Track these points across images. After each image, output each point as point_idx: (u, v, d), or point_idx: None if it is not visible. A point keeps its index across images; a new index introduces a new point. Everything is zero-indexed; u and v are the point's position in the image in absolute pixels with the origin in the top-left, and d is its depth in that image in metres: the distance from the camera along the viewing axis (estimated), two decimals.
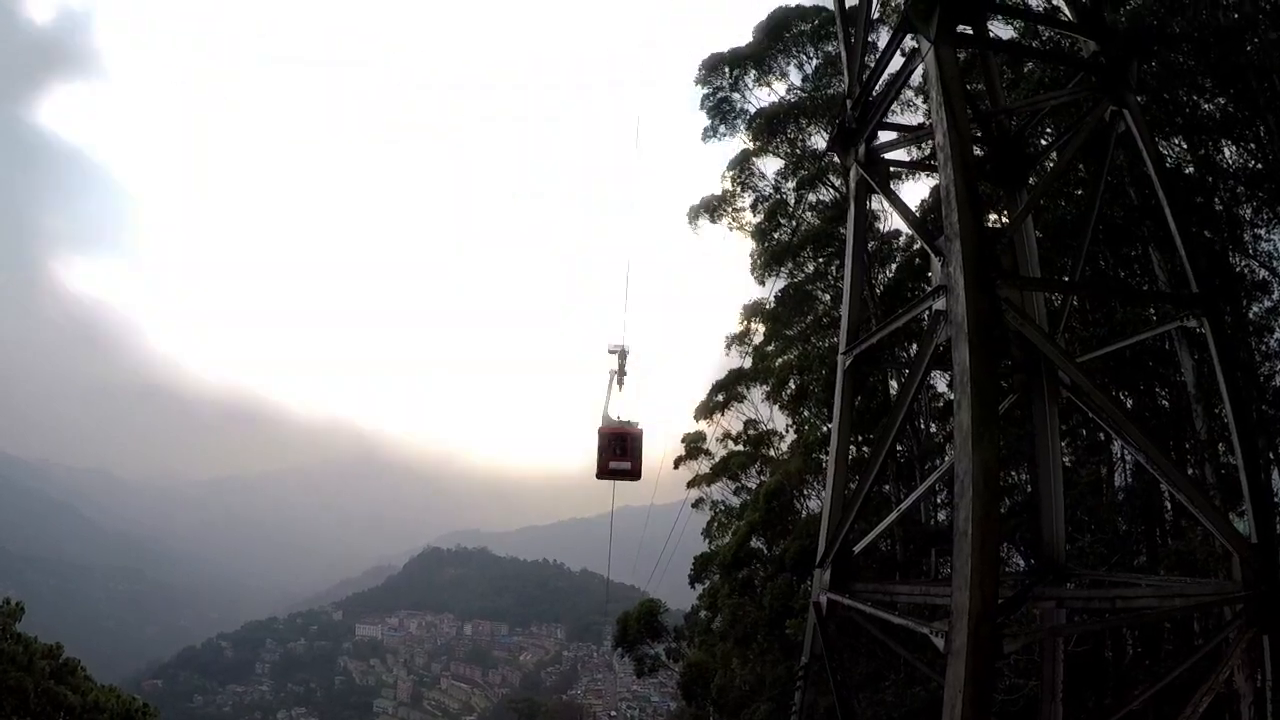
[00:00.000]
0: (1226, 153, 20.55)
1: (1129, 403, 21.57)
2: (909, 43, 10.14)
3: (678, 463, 40.81)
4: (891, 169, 12.13)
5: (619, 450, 24.07)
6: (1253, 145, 19.49)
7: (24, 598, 23.72)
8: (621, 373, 26.02)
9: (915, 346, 24.09)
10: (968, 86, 18.27)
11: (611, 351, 26.23)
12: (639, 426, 24.84)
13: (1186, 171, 20.53)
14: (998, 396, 8.79)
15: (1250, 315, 20.36)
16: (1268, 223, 19.75)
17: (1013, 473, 23.51)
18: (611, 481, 25.78)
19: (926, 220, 14.86)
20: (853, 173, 10.71)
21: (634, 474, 24.24)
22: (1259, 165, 19.33)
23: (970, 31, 11.50)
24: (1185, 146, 20.60)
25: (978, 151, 12.58)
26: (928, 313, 8.99)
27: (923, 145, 14.01)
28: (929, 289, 9.00)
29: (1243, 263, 20.21)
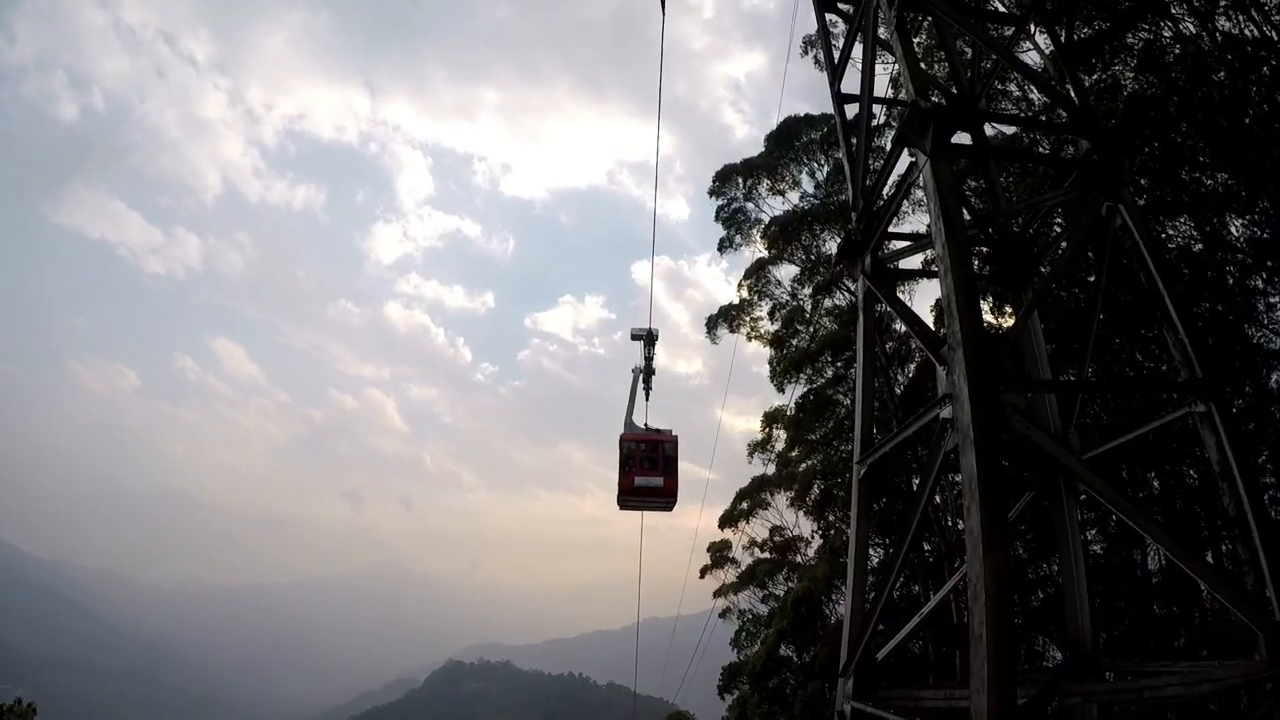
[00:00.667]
0: (1233, 227, 20.90)
1: (1155, 482, 21.46)
2: (907, 156, 10.60)
3: (703, 572, 40.51)
4: (902, 275, 12.49)
5: (648, 463, 20.14)
6: (1258, 216, 19.83)
7: (35, 698, 23.04)
8: (649, 369, 22.50)
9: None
10: (970, 182, 19.00)
11: (636, 337, 22.78)
12: (673, 434, 20.93)
13: (1195, 248, 20.86)
14: (1007, 502, 8.95)
15: (1272, 384, 20.38)
16: None
17: (1043, 565, 23.25)
18: (639, 515, 22.14)
19: (939, 326, 15.17)
20: (860, 284, 11.05)
21: (667, 493, 20.16)
22: (1265, 235, 19.61)
23: (968, 137, 12.01)
24: (1192, 223, 20.98)
25: (982, 249, 12.99)
26: (936, 420, 9.19)
27: (929, 252, 14.45)
28: (936, 397, 9.23)
29: (1258, 334, 20.33)
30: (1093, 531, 21.32)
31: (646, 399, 22.11)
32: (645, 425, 21.12)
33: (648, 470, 19.89)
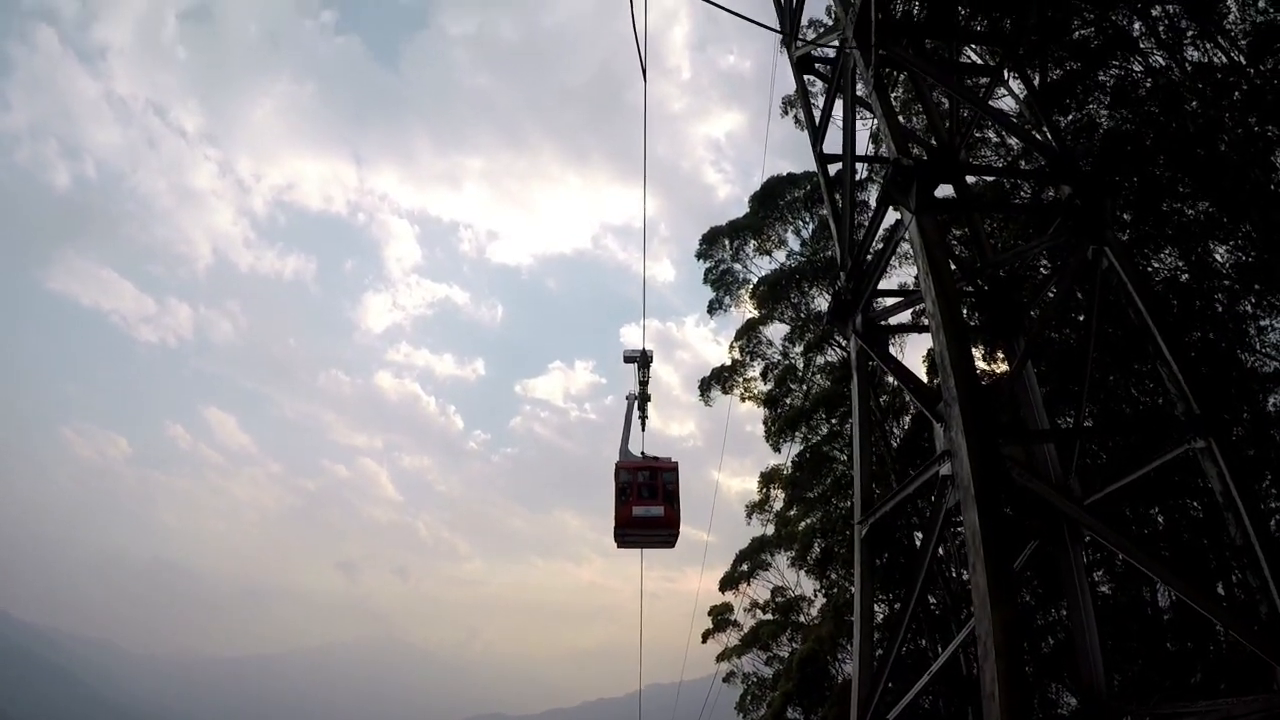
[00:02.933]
0: (1218, 254, 21.46)
1: (1159, 518, 21.71)
2: (892, 212, 10.98)
3: (705, 636, 40.55)
4: (894, 330, 12.82)
5: (647, 491, 18.86)
6: (1241, 241, 20.38)
7: None
8: (644, 395, 21.31)
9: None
10: (955, 230, 19.47)
11: (629, 360, 21.62)
12: (674, 461, 19.81)
13: (1183, 279, 21.39)
14: (1012, 554, 9.20)
15: (1269, 408, 20.79)
16: (1270, 312, 20.42)
17: (1052, 610, 23.38)
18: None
19: (932, 377, 15.53)
20: (852, 343, 11.34)
21: (668, 524, 18.86)
22: (1250, 258, 20.13)
23: (952, 189, 12.44)
24: (1177, 253, 21.52)
25: (970, 299, 13.35)
26: (936, 476, 9.46)
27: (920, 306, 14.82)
28: (935, 453, 9.50)
29: (1252, 359, 20.79)
30: (1100, 572, 21.56)
31: (643, 428, 21.22)
32: (642, 454, 20.28)
33: (647, 500, 18.82)
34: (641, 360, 21.35)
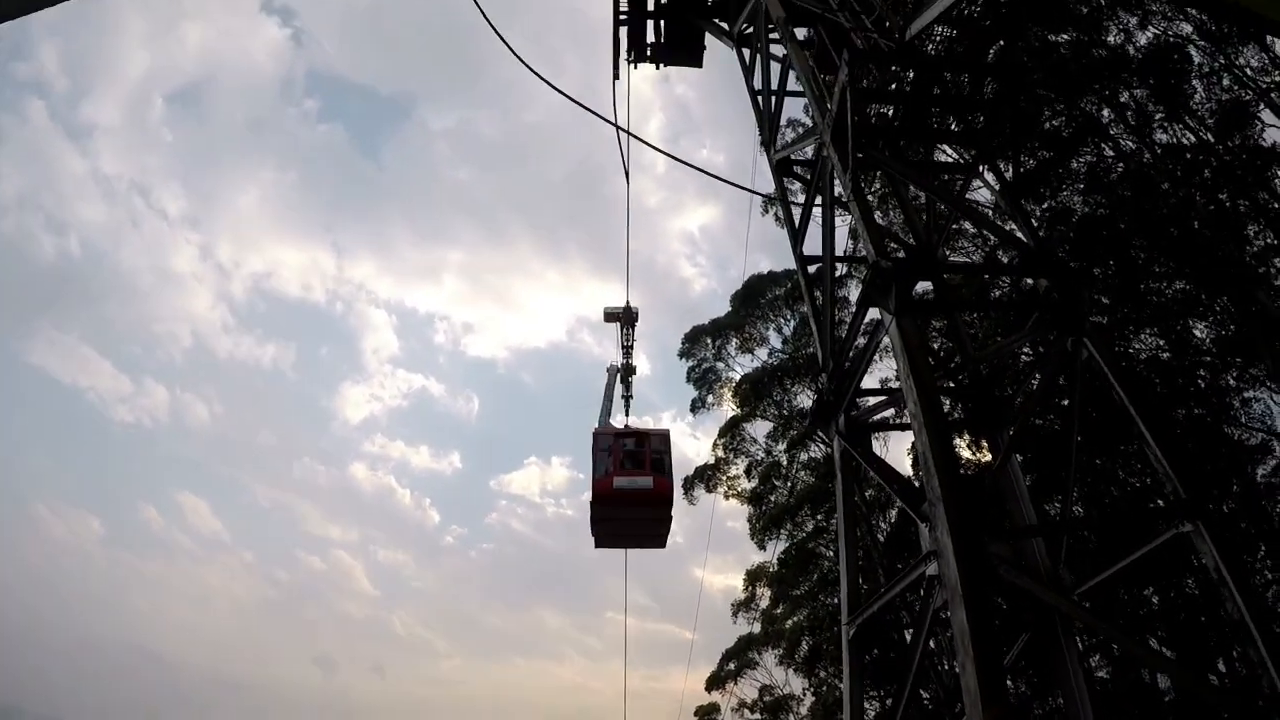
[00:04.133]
0: (1197, 331, 22.01)
1: (1154, 598, 21.83)
2: (873, 312, 11.32)
3: None
4: (877, 428, 13.09)
5: (631, 462, 16.09)
6: (1219, 315, 20.90)
7: None
8: (628, 366, 18.73)
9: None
10: (936, 323, 19.86)
11: (610, 318, 19.11)
12: (664, 429, 17.10)
13: (1164, 357, 21.87)
14: (1002, 651, 9.34)
15: (1258, 478, 21.11)
16: (1252, 384, 20.85)
17: (1049, 700, 23.34)
18: (621, 551, 18.38)
19: (918, 472, 15.77)
20: (835, 444, 11.58)
21: (658, 499, 15.85)
22: (1228, 332, 20.62)
23: (930, 284, 12.82)
24: (1158, 332, 22.04)
25: (951, 392, 13.65)
26: (923, 576, 9.63)
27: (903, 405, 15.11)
28: (920, 552, 9.69)
29: (1238, 432, 21.16)
30: (1096, 657, 21.65)
31: (626, 407, 18.71)
32: (626, 427, 17.74)
33: (631, 470, 15.97)
34: (625, 318, 18.66)
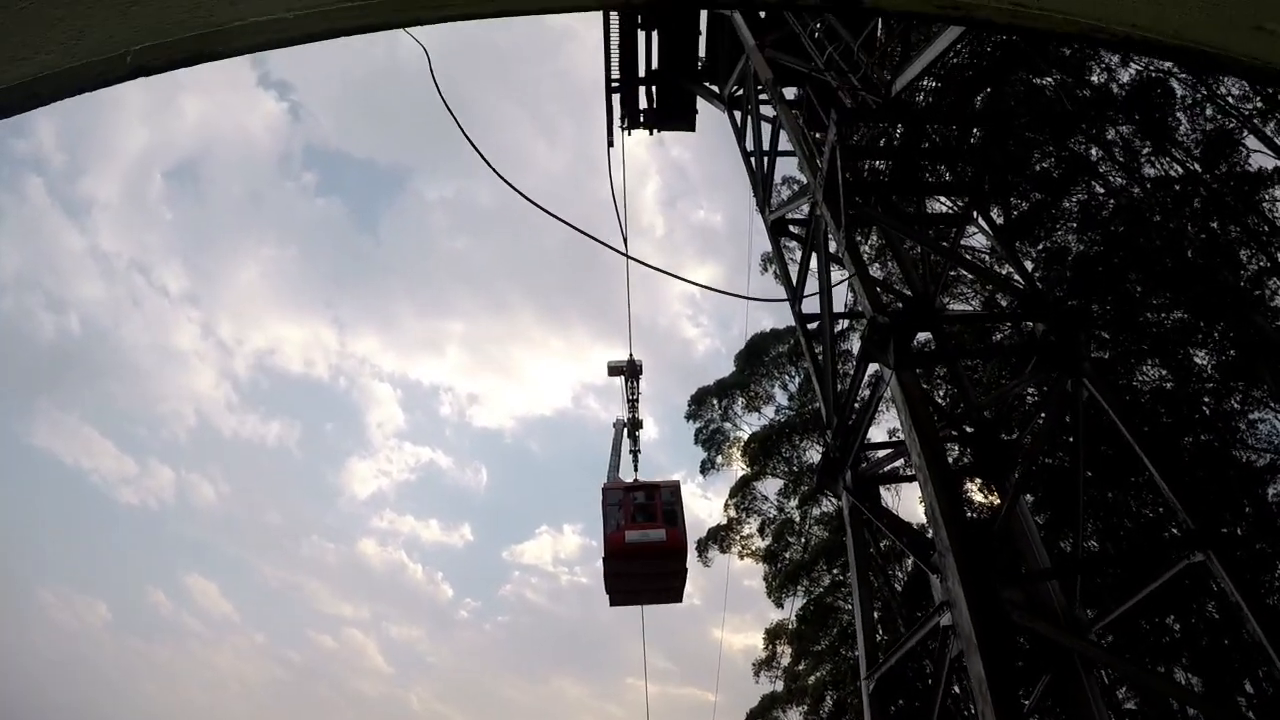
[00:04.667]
0: (1198, 358, 22.21)
1: (1176, 625, 21.81)
2: (874, 365, 11.57)
3: None
4: (885, 480, 13.28)
5: (642, 515, 15.74)
6: (1219, 340, 21.11)
7: None
8: (634, 420, 18.42)
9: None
10: (939, 370, 20.09)
11: (614, 372, 18.65)
12: (674, 480, 16.84)
13: (1168, 386, 22.05)
14: (1019, 698, 9.45)
15: (1270, 498, 21.17)
16: (1256, 406, 21.02)
17: None
18: (638, 610, 17.90)
19: (929, 522, 15.95)
20: (844, 500, 11.79)
21: (672, 551, 15.52)
22: (1229, 357, 20.82)
23: (929, 334, 13.09)
24: (1160, 362, 22.25)
25: (957, 439, 13.85)
26: (938, 627, 9.79)
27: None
28: (934, 603, 9.86)
29: (1246, 455, 21.27)
30: (1124, 689, 21.63)
31: (635, 463, 18.35)
32: (635, 482, 17.52)
33: (643, 523, 15.58)
34: (629, 371, 18.34)
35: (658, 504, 15.94)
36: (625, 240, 12.19)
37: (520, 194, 7.97)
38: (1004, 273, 16.21)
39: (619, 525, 15.49)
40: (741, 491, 33.73)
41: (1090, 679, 11.89)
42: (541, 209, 7.99)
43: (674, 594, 16.82)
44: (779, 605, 32.71)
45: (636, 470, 18.55)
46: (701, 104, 19.13)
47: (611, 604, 16.92)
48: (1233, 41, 2.97)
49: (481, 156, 7.58)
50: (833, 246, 12.66)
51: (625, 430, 18.96)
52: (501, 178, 7.82)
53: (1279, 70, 2.95)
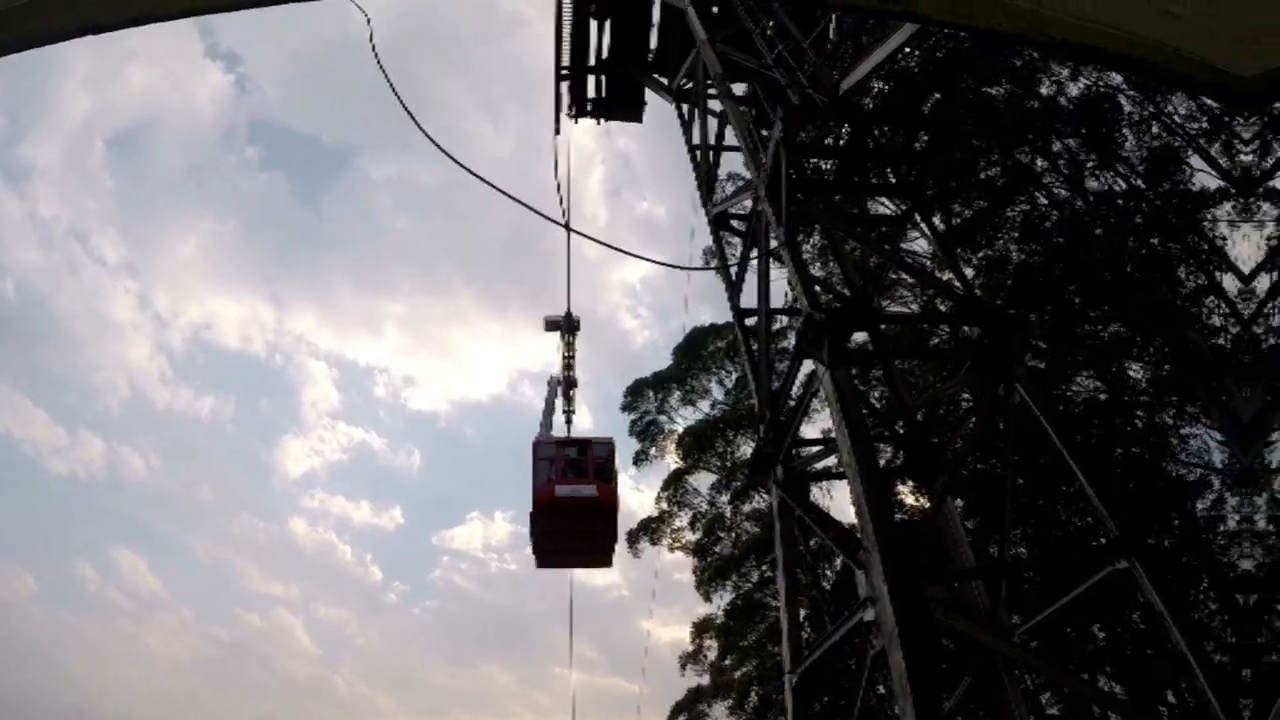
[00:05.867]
0: (1132, 371, 22.65)
1: (1100, 633, 22.22)
2: (809, 363, 11.62)
3: None
4: (816, 478, 13.38)
5: (573, 470, 15.41)
6: (1154, 355, 21.55)
7: None
8: (569, 379, 18.20)
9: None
10: (874, 372, 20.27)
11: (552, 327, 18.32)
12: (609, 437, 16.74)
13: (1102, 398, 22.46)
14: (941, 694, 9.56)
15: (1198, 512, 21.63)
16: (1188, 422, 21.47)
17: None
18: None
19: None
20: (774, 495, 11.87)
21: (603, 508, 15.31)
22: (1163, 372, 21.26)
23: (866, 334, 13.19)
24: (1095, 374, 22.65)
25: (888, 439, 13.99)
26: (861, 623, 9.87)
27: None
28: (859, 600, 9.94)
29: (1177, 469, 21.73)
30: (1048, 695, 21.96)
31: (568, 422, 18.07)
32: (567, 437, 17.23)
33: (574, 479, 15.25)
34: (566, 325, 17.96)
35: (590, 460, 15.66)
36: (566, 212, 11.96)
37: (457, 162, 7.85)
38: (944, 278, 16.34)
39: (549, 479, 15.11)
40: (674, 484, 33.56)
41: (1012, 681, 12.05)
42: (479, 177, 7.84)
43: (604, 556, 16.71)
44: (707, 599, 32.82)
45: (570, 431, 17.98)
46: (650, 96, 19.16)
47: (539, 564, 16.65)
48: (1138, 25, 3.00)
49: (419, 126, 7.48)
50: (774, 243, 12.72)
51: (560, 387, 18.58)
52: (439, 147, 7.71)
53: (1182, 52, 2.98)
